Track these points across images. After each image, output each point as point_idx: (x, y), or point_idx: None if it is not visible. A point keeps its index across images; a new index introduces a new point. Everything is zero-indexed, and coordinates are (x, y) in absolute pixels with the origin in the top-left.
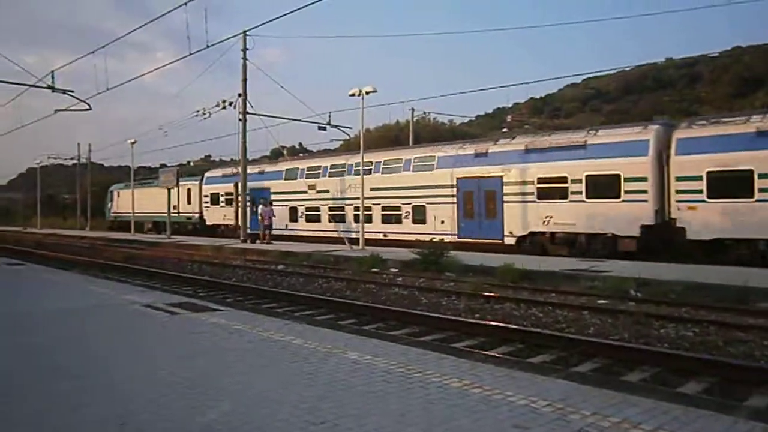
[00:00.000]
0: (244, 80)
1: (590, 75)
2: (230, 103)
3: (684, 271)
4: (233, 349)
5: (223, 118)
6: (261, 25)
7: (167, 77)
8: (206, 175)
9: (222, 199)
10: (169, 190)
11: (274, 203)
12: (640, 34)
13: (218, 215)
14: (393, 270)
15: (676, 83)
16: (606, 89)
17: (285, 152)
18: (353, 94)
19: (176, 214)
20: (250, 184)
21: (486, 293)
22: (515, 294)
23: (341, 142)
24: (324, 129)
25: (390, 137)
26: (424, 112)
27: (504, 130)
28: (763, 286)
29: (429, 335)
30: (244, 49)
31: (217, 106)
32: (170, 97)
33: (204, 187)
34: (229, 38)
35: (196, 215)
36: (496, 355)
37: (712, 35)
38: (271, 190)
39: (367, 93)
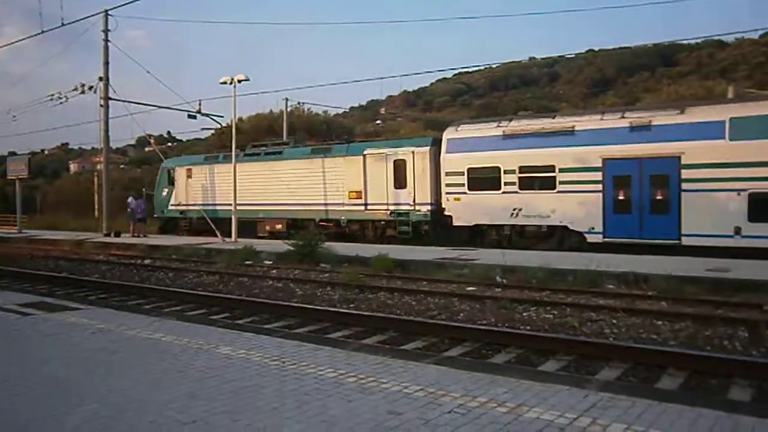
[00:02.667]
0: (106, 63)
1: (461, 70)
2: (90, 88)
3: (545, 257)
4: (96, 349)
5: (82, 104)
6: (124, 4)
7: (16, 56)
8: (450, 135)
9: (511, 179)
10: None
11: (689, 186)
12: (507, 33)
13: (490, 209)
14: (267, 262)
15: (538, 81)
16: (475, 84)
17: (152, 141)
18: (225, 82)
19: (359, 206)
20: (604, 150)
21: (360, 283)
22: (389, 283)
23: (212, 131)
24: (194, 117)
25: (263, 127)
26: (299, 102)
27: (378, 122)
28: (610, 270)
29: (304, 327)
30: (106, 30)
31: (75, 90)
32: (20, 77)
33: (448, 157)
34: (88, 17)
35: (424, 209)
36: (371, 344)
37: (571, 37)
38: (682, 161)
39: (239, 81)
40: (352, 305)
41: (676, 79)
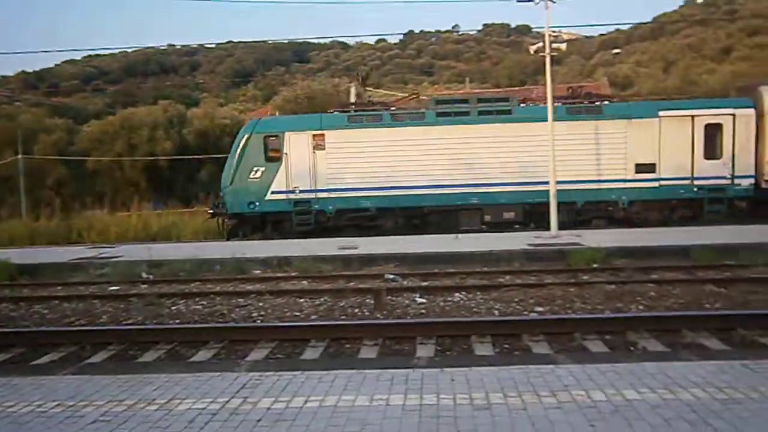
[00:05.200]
0: None
1: (91, 53)
2: None
3: (192, 249)
4: None
5: None
6: None
7: None
8: None
9: None
10: None
11: None
12: (141, 17)
13: None
14: None
15: (179, 69)
16: (108, 69)
17: None
18: None
19: (650, 182)
20: None
21: None
22: (13, 293)
23: None
24: None
25: None
26: None
27: None
28: (257, 256)
29: None
30: None
31: None
32: None
33: None
34: None
35: (745, 183)
36: None
37: (211, 26)
38: None
39: None
40: None
41: (309, 75)
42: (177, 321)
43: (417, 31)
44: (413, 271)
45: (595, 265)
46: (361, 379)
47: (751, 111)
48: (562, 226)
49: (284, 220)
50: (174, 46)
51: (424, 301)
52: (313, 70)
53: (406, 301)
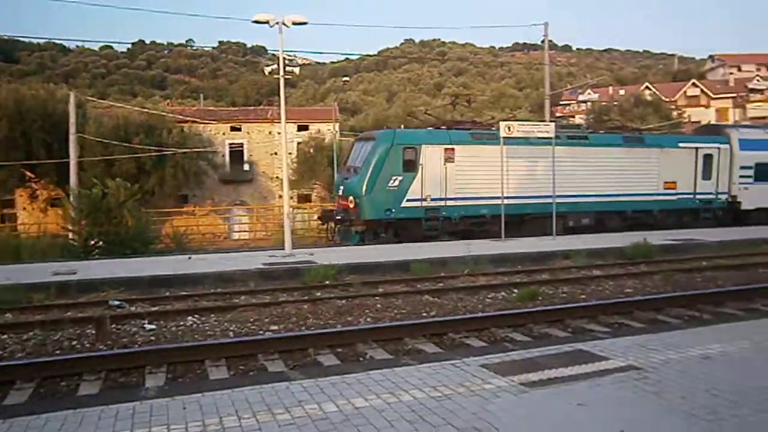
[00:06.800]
0: None
1: None
2: None
3: None
4: None
5: None
6: None
7: None
8: (741, 137)
9: None
10: None
11: None
12: None
13: None
14: None
15: None
16: None
17: None
18: None
19: (671, 196)
20: None
21: None
22: None
23: None
24: None
25: None
26: None
27: None
28: None
29: None
30: None
31: None
32: None
33: (740, 154)
34: None
35: (723, 197)
36: None
37: None
38: None
39: None
40: None
41: (18, 78)
42: None
43: (147, 41)
44: (142, 296)
45: (327, 282)
46: (78, 420)
47: (728, 146)
48: (612, 230)
49: (414, 226)
50: None
51: (153, 327)
52: (22, 72)
53: (134, 329)
